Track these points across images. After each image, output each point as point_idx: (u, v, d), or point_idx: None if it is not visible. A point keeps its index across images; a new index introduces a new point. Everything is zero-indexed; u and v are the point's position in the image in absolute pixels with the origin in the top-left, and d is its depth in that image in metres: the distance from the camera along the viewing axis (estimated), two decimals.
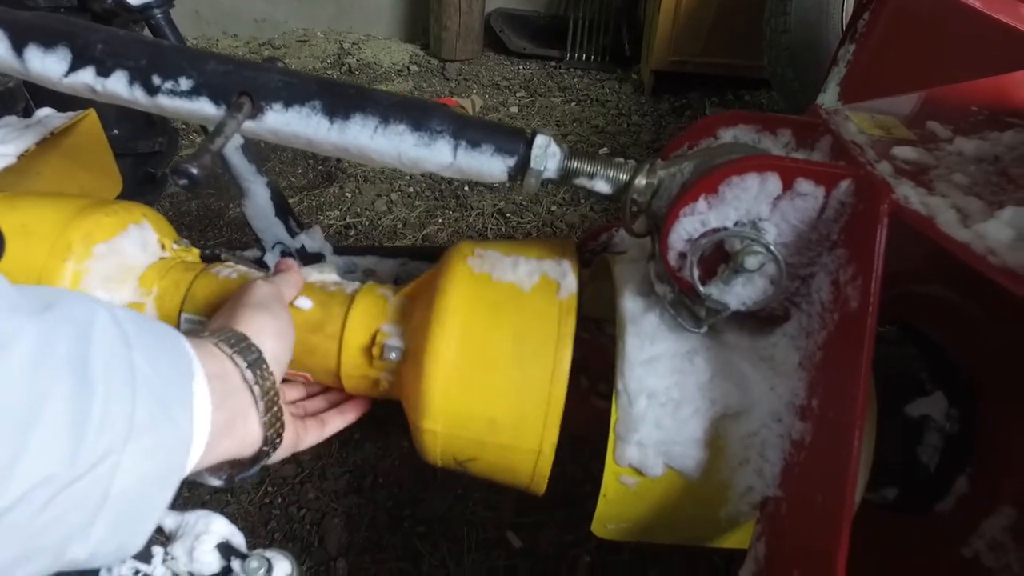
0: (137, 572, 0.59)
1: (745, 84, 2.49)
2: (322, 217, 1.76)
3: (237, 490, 1.14)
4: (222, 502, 1.12)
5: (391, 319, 0.65)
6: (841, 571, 0.46)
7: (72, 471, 0.32)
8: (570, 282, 0.61)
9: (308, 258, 0.96)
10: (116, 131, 1.36)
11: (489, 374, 0.59)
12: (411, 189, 1.86)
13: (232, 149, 0.86)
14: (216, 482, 0.53)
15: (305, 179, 1.91)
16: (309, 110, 0.53)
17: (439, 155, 0.55)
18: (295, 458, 1.18)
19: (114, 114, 1.34)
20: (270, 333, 0.53)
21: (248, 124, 0.54)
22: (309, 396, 0.71)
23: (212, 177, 1.86)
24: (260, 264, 0.95)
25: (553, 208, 1.81)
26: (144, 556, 0.61)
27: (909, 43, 1.03)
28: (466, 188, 1.88)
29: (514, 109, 2.39)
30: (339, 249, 0.99)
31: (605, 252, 0.82)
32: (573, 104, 2.47)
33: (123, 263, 0.68)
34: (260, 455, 0.51)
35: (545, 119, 2.32)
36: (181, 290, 0.68)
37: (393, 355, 0.62)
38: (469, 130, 0.54)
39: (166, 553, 0.63)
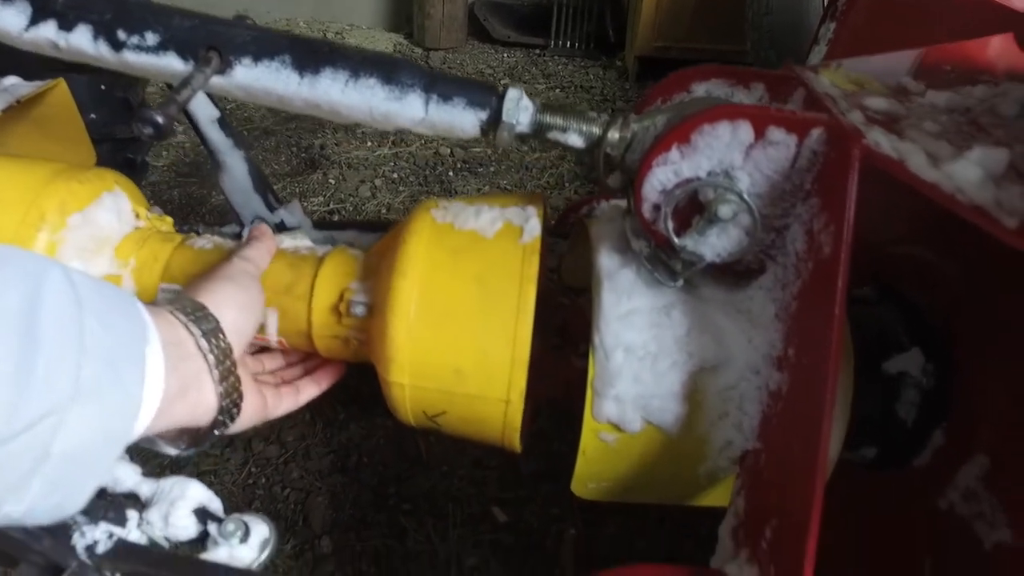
0: (111, 535, 0.59)
1: None
2: (306, 204, 1.75)
3: (220, 471, 1.13)
4: (205, 483, 1.11)
5: (359, 277, 0.64)
6: (816, 515, 0.46)
7: (10, 427, 0.32)
8: (533, 226, 0.60)
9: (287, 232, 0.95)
10: (93, 115, 1.34)
11: (452, 322, 0.58)
12: (395, 175, 1.86)
13: (208, 122, 0.86)
14: (172, 451, 0.52)
15: (288, 166, 1.89)
16: (279, 64, 0.53)
17: (410, 109, 0.54)
18: (279, 439, 1.18)
19: (90, 98, 1.33)
20: (232, 305, 0.53)
21: (217, 80, 0.53)
22: (288, 366, 0.71)
23: (194, 164, 1.85)
24: (238, 239, 0.94)
25: (537, 191, 1.81)
26: (119, 520, 0.60)
27: (889, 21, 1.03)
28: (451, 173, 1.87)
29: None
30: (318, 224, 0.98)
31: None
32: (558, 91, 2.47)
33: (98, 233, 0.67)
34: (216, 424, 0.50)
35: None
36: (160, 262, 0.67)
37: (358, 310, 0.61)
38: (440, 84, 0.54)
39: (141, 518, 0.62)
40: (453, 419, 0.62)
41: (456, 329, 0.58)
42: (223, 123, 0.86)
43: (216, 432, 0.51)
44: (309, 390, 0.66)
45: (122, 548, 0.59)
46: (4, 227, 0.63)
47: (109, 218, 0.68)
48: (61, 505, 0.37)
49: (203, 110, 0.84)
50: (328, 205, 1.74)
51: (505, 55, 2.77)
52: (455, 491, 1.10)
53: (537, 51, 2.77)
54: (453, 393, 0.60)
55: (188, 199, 1.73)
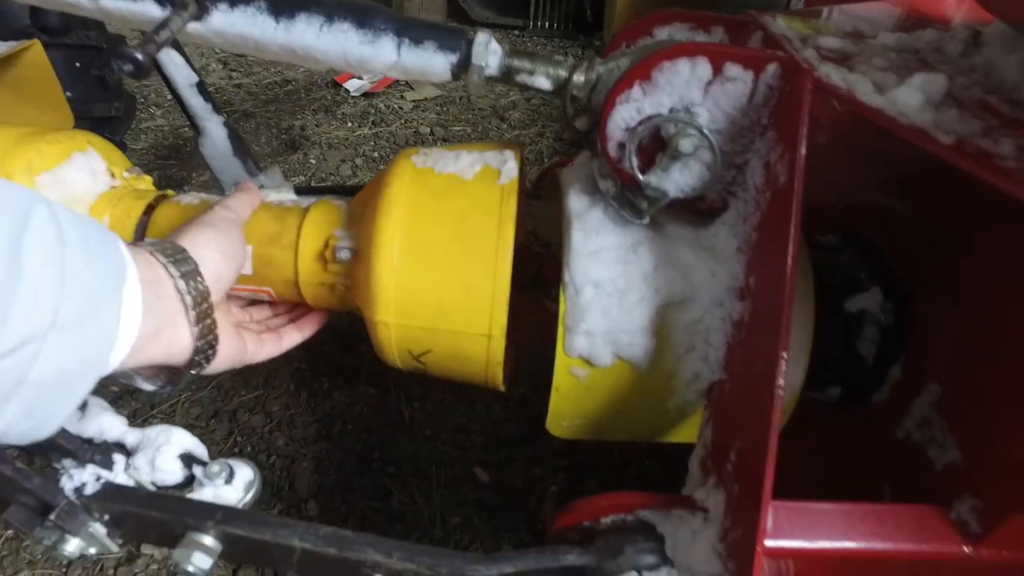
0: (99, 478, 0.60)
1: None
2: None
3: (206, 441, 1.12)
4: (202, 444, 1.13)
5: (343, 225, 0.66)
6: (774, 431, 0.49)
7: None
8: (511, 168, 0.62)
9: None
10: (69, 94, 1.33)
11: (434, 259, 0.60)
12: (376, 154, 1.87)
13: (186, 87, 0.87)
14: (149, 387, 0.54)
15: (269, 147, 1.90)
16: (255, 10, 0.54)
17: (383, 53, 0.56)
18: (264, 409, 1.19)
19: (68, 77, 1.32)
20: (212, 249, 0.54)
21: (194, 26, 0.54)
22: (275, 316, 0.72)
23: (172, 147, 1.84)
24: None
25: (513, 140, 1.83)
26: (105, 463, 0.62)
27: None
28: None
29: None
30: (300, 190, 0.99)
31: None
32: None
33: (70, 193, 0.68)
34: (192, 364, 0.51)
35: (508, 89, 2.33)
36: (133, 218, 0.68)
37: (343, 254, 0.63)
38: (412, 28, 0.56)
39: (128, 463, 0.64)
40: (438, 356, 0.64)
41: (438, 266, 0.60)
42: (201, 88, 0.87)
43: (193, 372, 0.52)
44: (291, 336, 0.68)
45: (109, 489, 0.61)
46: None
47: (81, 177, 0.69)
48: (36, 428, 0.39)
49: (181, 75, 0.85)
50: (309, 185, 1.74)
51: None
52: (438, 454, 1.12)
53: (516, 32, 2.78)
54: (437, 330, 0.61)
55: (167, 182, 1.73)
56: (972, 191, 0.60)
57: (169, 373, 0.53)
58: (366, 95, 2.11)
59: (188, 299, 0.49)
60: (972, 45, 0.60)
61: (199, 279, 0.51)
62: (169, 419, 1.18)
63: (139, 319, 0.44)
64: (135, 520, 0.60)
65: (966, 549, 0.54)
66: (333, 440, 1.14)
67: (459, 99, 2.14)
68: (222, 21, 0.56)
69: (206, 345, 0.52)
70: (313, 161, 1.84)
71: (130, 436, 0.66)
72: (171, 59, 0.84)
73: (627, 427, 0.67)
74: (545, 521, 1.03)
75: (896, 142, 0.66)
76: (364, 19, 0.56)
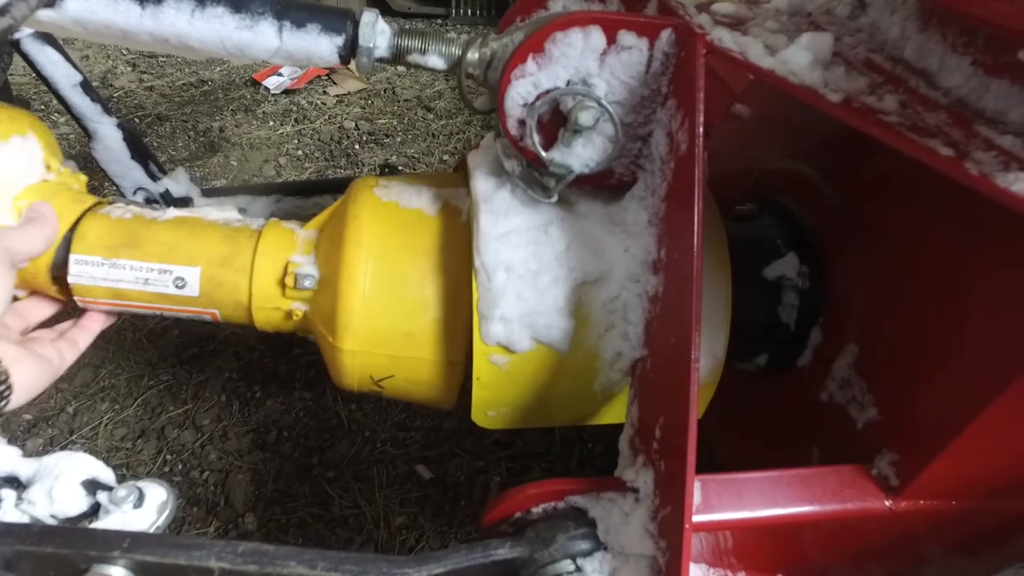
0: None
1: None
2: (206, 187, 1.68)
3: (133, 462, 1.09)
4: (117, 476, 1.07)
5: (301, 250, 0.65)
6: (693, 402, 0.48)
7: None
8: (470, 206, 0.63)
9: (175, 203, 0.91)
10: None
11: (404, 290, 0.62)
12: (299, 152, 1.81)
13: (69, 88, 0.81)
14: None
15: (187, 151, 1.81)
16: None
17: (263, 38, 0.52)
18: (194, 423, 1.14)
19: None
20: None
21: (48, 14, 0.50)
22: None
23: (80, 157, 1.74)
24: (170, 202, 0.90)
25: (445, 158, 1.80)
26: None
27: None
28: (356, 146, 1.84)
29: (401, 68, 2.35)
30: (208, 191, 0.94)
31: None
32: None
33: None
34: None
35: (435, 78, 2.29)
36: (66, 222, 0.64)
37: (307, 283, 0.63)
38: (293, 11, 0.53)
39: (19, 498, 0.59)
40: (398, 382, 0.65)
41: (408, 297, 0.62)
42: (86, 87, 0.81)
43: None
44: (84, 337, 0.65)
45: None
46: None
47: (15, 163, 0.63)
48: None
49: (62, 73, 0.80)
50: (232, 185, 1.68)
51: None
52: (379, 455, 1.09)
53: (439, 21, 2.73)
54: (404, 358, 0.63)
55: None
56: (876, 153, 0.61)
57: None
58: (287, 92, 2.04)
59: None
60: (859, 7, 0.60)
61: None
62: (91, 443, 1.12)
63: None
64: (30, 559, 0.55)
65: (887, 503, 0.55)
66: (269, 449, 1.10)
67: (383, 91, 2.09)
68: (79, 8, 0.51)
69: None
70: (235, 163, 1.76)
71: (24, 467, 0.61)
72: (46, 56, 0.78)
73: (554, 412, 0.66)
74: None
75: (801, 108, 0.66)
76: (239, 2, 0.52)
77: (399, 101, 2.05)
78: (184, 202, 0.92)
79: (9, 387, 0.48)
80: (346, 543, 0.98)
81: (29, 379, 0.51)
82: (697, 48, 0.49)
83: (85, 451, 1.12)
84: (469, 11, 2.74)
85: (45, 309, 0.66)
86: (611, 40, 0.52)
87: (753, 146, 0.86)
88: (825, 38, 0.48)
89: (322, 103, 2.02)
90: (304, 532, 0.99)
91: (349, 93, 2.05)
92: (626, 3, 0.61)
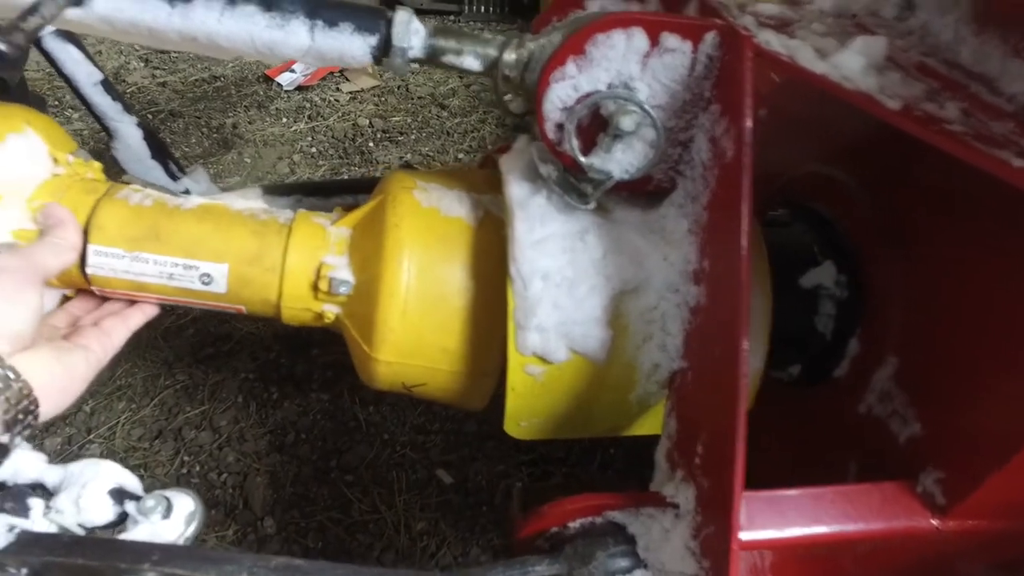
0: (12, 528, 0.54)
1: None
2: (222, 184, 1.67)
3: (151, 463, 1.08)
4: (136, 476, 1.06)
5: (334, 250, 0.63)
6: (742, 421, 0.47)
7: None
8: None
9: None
10: None
11: (443, 305, 0.60)
12: (314, 149, 1.79)
13: (90, 86, 0.80)
14: None
15: (200, 147, 1.80)
16: None
17: (295, 37, 0.51)
18: (211, 424, 1.13)
19: None
20: None
21: (76, 13, 0.48)
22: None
23: (94, 152, 1.74)
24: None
25: (460, 156, 1.78)
26: (20, 510, 0.56)
27: None
28: (371, 144, 1.82)
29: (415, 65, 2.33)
30: (228, 191, 0.93)
31: None
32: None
33: (5, 182, 0.60)
34: (14, 423, 0.45)
35: (448, 75, 2.27)
36: (82, 216, 0.61)
37: (343, 289, 0.61)
38: (325, 9, 0.51)
39: (48, 506, 0.58)
40: (430, 389, 0.65)
41: (446, 311, 0.61)
42: (107, 86, 0.80)
43: (23, 430, 0.47)
44: (135, 317, 0.63)
45: (25, 539, 0.55)
46: None
47: (18, 163, 0.60)
48: None
49: (83, 72, 0.78)
50: (246, 184, 1.66)
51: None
52: (398, 458, 1.08)
53: (451, 17, 2.71)
54: (438, 370, 0.62)
55: None
56: (917, 157, 0.59)
57: None
58: (300, 89, 2.02)
59: None
60: (906, 8, 0.58)
61: None
62: (109, 443, 1.11)
63: None
64: (60, 571, 0.54)
65: (934, 522, 0.53)
66: (287, 452, 1.09)
67: (397, 88, 2.07)
68: (107, 6, 0.50)
69: (17, 395, 0.45)
70: (248, 160, 1.75)
71: (50, 474, 0.60)
72: (68, 54, 0.77)
73: (588, 423, 0.64)
74: (512, 520, 1.00)
75: (835, 110, 0.64)
76: (271, 0, 0.51)
77: (413, 98, 2.03)
78: None
79: (34, 400, 0.46)
80: (366, 548, 0.97)
81: (64, 382, 0.49)
82: (744, 51, 0.47)
83: (103, 451, 1.12)
84: (482, 7, 2.71)
85: (92, 302, 0.65)
86: (654, 42, 0.50)
87: (781, 149, 0.84)
88: (878, 42, 0.47)
89: (335, 100, 2.00)
90: (324, 537, 0.98)
91: (362, 90, 2.04)
92: (666, 4, 0.60)
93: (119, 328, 0.59)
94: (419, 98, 2.04)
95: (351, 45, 0.52)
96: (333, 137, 1.84)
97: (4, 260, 0.51)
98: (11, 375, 0.45)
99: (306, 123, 1.89)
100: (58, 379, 0.48)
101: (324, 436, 1.11)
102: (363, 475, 1.05)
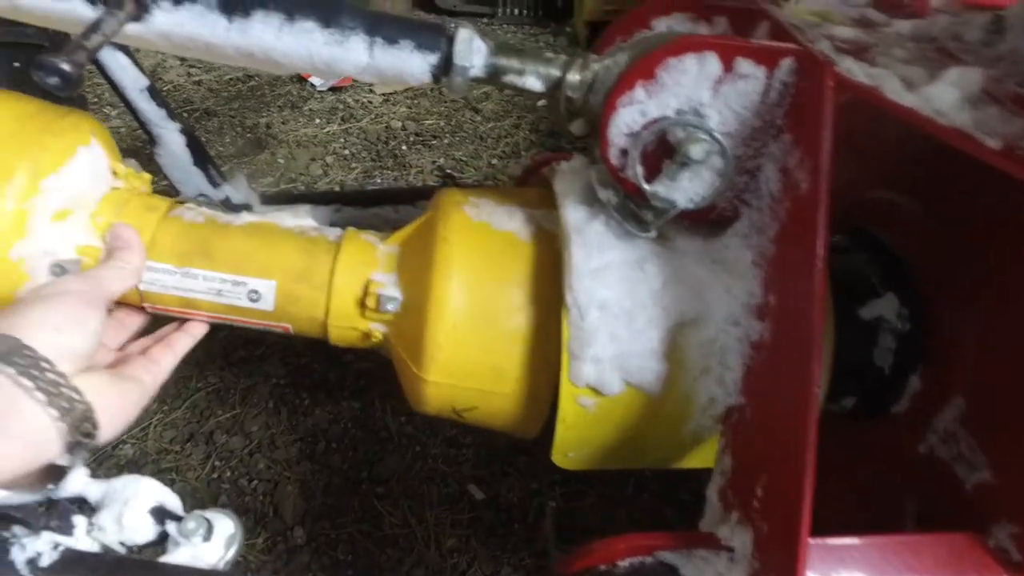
0: (57, 546, 0.54)
1: None
2: (255, 185, 1.67)
3: (182, 467, 1.08)
4: (167, 481, 1.05)
5: (382, 268, 0.62)
6: (810, 469, 0.44)
7: None
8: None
9: (234, 210, 0.89)
10: None
11: (495, 323, 0.58)
12: (347, 151, 1.79)
13: (136, 92, 0.79)
14: (33, 496, 0.47)
15: (234, 147, 1.81)
16: (203, 7, 0.47)
17: (354, 54, 0.50)
18: (242, 429, 1.12)
19: (6, 79, 1.23)
20: (49, 326, 0.46)
21: (135, 28, 0.47)
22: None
23: (131, 150, 1.75)
24: (229, 206, 0.87)
25: (494, 162, 1.76)
26: (64, 528, 0.55)
27: None
28: (403, 147, 1.81)
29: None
30: (267, 199, 0.92)
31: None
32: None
33: (73, 197, 0.59)
34: (75, 445, 0.44)
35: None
36: (146, 235, 0.60)
37: (390, 306, 0.59)
38: (385, 26, 0.50)
39: (91, 523, 0.57)
40: (481, 414, 0.62)
41: (498, 329, 0.58)
42: (153, 92, 0.80)
43: (80, 453, 0.46)
44: (183, 341, 0.62)
45: (69, 557, 0.54)
46: None
47: (85, 177, 0.59)
48: None
49: (129, 78, 0.78)
50: (278, 185, 1.66)
51: (452, 24, 2.69)
52: (429, 471, 1.07)
53: (484, 20, 2.70)
54: (490, 392, 0.60)
55: None
56: (991, 185, 0.56)
57: (46, 470, 0.46)
58: (333, 90, 2.02)
59: (26, 381, 0.41)
60: (994, 32, 0.55)
61: (27, 353, 0.43)
62: (141, 444, 1.11)
63: None
64: None
65: None
66: (317, 460, 1.08)
67: (430, 91, 2.06)
68: (166, 21, 0.49)
69: (80, 416, 0.44)
70: (281, 160, 1.75)
71: (92, 489, 0.60)
72: (116, 61, 0.76)
73: (638, 455, 0.62)
74: (544, 540, 0.98)
75: (901, 132, 0.61)
76: (330, 16, 0.49)
77: (446, 101, 2.02)
78: (244, 209, 0.90)
79: (94, 423, 0.46)
80: (396, 563, 0.95)
81: (118, 409, 0.49)
82: (824, 80, 0.45)
83: (136, 452, 1.12)
84: (515, 10, 2.69)
85: (141, 317, 0.64)
86: (727, 67, 0.48)
87: (841, 171, 0.81)
88: (973, 73, 0.44)
89: (368, 101, 2.00)
90: (353, 549, 0.97)
91: (396, 92, 2.03)
92: (735, 24, 0.57)
93: (167, 356, 0.58)
94: (452, 101, 2.03)
95: (410, 63, 0.50)
96: (366, 139, 1.83)
97: (70, 283, 0.50)
98: (75, 396, 0.44)
99: (339, 124, 1.89)
100: (113, 405, 0.48)
101: (355, 446, 1.10)
102: (394, 488, 1.04)
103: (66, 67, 0.39)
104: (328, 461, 1.08)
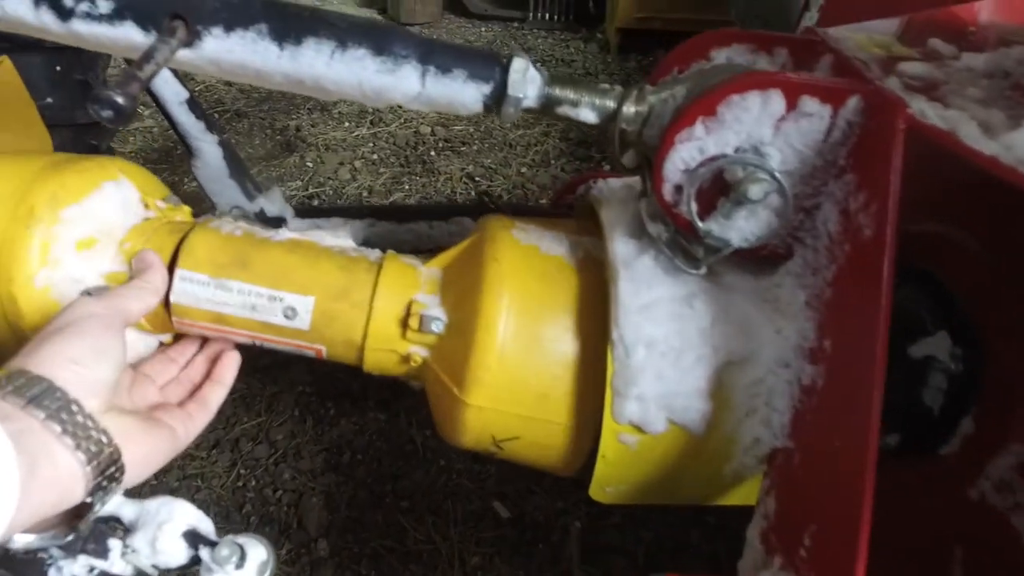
0: (92, 569, 0.53)
1: None
2: (283, 188, 1.68)
3: (208, 473, 1.08)
4: (192, 488, 1.06)
5: (424, 289, 0.61)
6: (866, 522, 0.43)
7: None
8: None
9: (268, 222, 0.89)
10: (50, 100, 1.26)
11: (543, 347, 0.57)
12: (375, 156, 1.79)
13: (176, 104, 0.79)
14: (58, 541, 0.46)
15: (263, 149, 1.81)
16: (255, 35, 0.47)
17: (405, 83, 0.49)
18: (267, 438, 1.12)
19: (46, 81, 1.24)
20: (63, 359, 0.45)
21: (185, 54, 0.47)
22: (186, 365, 0.63)
23: (163, 150, 1.76)
24: (264, 221, 0.87)
25: (523, 170, 1.75)
26: (100, 551, 0.55)
27: None
28: (432, 153, 1.81)
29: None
30: (301, 212, 0.92)
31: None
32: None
33: (99, 227, 0.61)
34: (98, 489, 0.44)
35: None
36: (165, 255, 0.61)
37: (435, 326, 0.58)
38: (438, 54, 0.48)
39: (125, 546, 0.57)
40: (522, 444, 0.61)
41: (546, 354, 0.57)
42: (193, 104, 0.79)
43: (102, 499, 0.45)
44: (217, 394, 0.60)
45: None
46: None
47: (112, 210, 0.62)
48: None
49: (170, 91, 0.78)
50: (307, 189, 1.67)
51: (483, 29, 2.68)
52: (454, 486, 1.06)
53: (515, 24, 2.69)
54: (534, 419, 0.58)
55: None
56: None
57: (70, 513, 0.45)
58: None
59: (55, 425, 0.41)
60: None
61: (58, 393, 0.42)
62: None
63: (15, 469, 0.36)
64: None
65: None
66: (342, 472, 1.08)
67: None
68: (217, 48, 0.48)
69: (107, 460, 0.43)
70: (310, 164, 1.76)
71: (126, 509, 0.59)
72: (159, 74, 0.76)
73: (676, 492, 0.61)
74: (569, 561, 0.97)
75: (956, 163, 0.59)
76: (382, 44, 0.48)
77: None
78: (278, 221, 0.90)
79: (121, 468, 0.45)
80: None
81: (147, 456, 0.48)
82: (895, 123, 0.43)
83: None
84: (546, 15, 2.68)
85: (191, 347, 0.64)
86: (791, 105, 0.46)
87: None
88: None
89: (397, 106, 1.99)
90: (377, 564, 0.96)
91: None
92: (795, 56, 0.55)
93: (202, 414, 0.57)
94: None
95: (463, 93, 0.49)
96: (395, 144, 1.83)
97: (90, 305, 0.50)
98: (103, 439, 0.43)
99: (368, 128, 1.88)
100: (141, 453, 0.47)
101: (380, 458, 1.09)
102: (418, 502, 1.03)
103: (120, 100, 0.38)
104: (353, 473, 1.07)
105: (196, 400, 0.59)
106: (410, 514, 1.02)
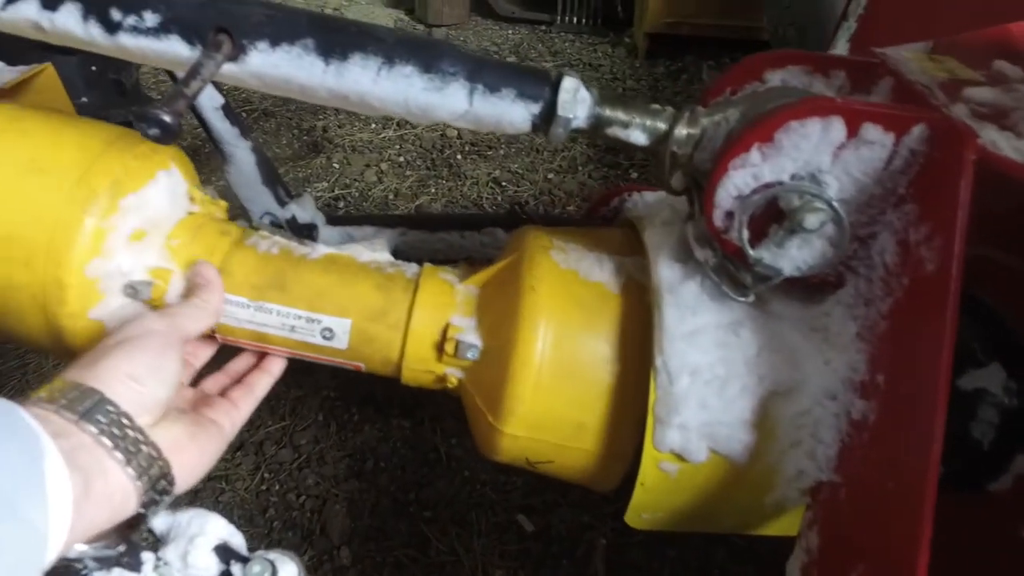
0: None
1: (743, 46, 2.41)
2: (309, 189, 1.68)
3: (232, 477, 1.08)
4: (216, 491, 1.06)
5: (461, 311, 0.60)
6: (923, 567, 0.41)
7: None
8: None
9: (299, 229, 0.89)
10: (85, 99, 1.26)
11: (580, 378, 0.56)
12: (401, 159, 1.78)
13: (211, 110, 0.79)
14: (111, 551, 0.46)
15: (290, 149, 1.82)
16: (300, 49, 0.46)
17: (453, 101, 0.48)
18: (291, 442, 1.12)
19: (81, 81, 1.25)
20: (130, 376, 0.45)
21: (229, 68, 0.46)
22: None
23: (191, 149, 1.77)
24: (295, 228, 0.87)
25: (550, 176, 1.74)
26: (134, 564, 0.55)
27: None
28: (459, 156, 1.80)
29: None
30: (333, 219, 0.91)
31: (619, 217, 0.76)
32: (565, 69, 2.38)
33: (150, 219, 0.59)
34: (151, 501, 0.44)
35: None
36: (216, 259, 0.60)
37: (470, 354, 0.57)
38: (486, 72, 0.47)
39: (158, 559, 0.56)
40: (556, 467, 0.60)
41: (583, 385, 0.56)
42: (228, 110, 0.79)
43: (155, 508, 0.45)
44: (263, 383, 0.61)
45: None
46: (47, 205, 0.53)
47: (163, 201, 0.59)
48: None
49: (206, 96, 0.77)
50: (333, 191, 1.67)
51: (510, 32, 2.67)
52: (478, 497, 1.05)
53: (543, 28, 2.67)
54: (568, 448, 0.58)
55: None
56: None
57: (123, 525, 0.45)
58: None
59: (106, 440, 0.41)
60: None
61: (110, 410, 0.42)
62: None
63: (71, 493, 0.36)
64: None
65: None
66: (366, 479, 1.07)
67: None
68: (261, 62, 0.47)
69: (158, 474, 0.44)
70: (336, 165, 1.75)
71: (159, 520, 0.59)
72: None
73: (714, 520, 0.59)
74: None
75: (1011, 185, 0.57)
76: (430, 61, 0.47)
77: None
78: (309, 228, 0.89)
79: (171, 479, 0.45)
80: None
81: (196, 464, 0.48)
82: (965, 154, 0.41)
83: None
84: (574, 19, 2.66)
85: (208, 349, 0.64)
86: (852, 133, 0.44)
87: None
88: None
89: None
90: (399, 574, 0.96)
91: None
92: (853, 79, 0.54)
93: (247, 400, 0.57)
94: None
95: (511, 112, 0.48)
96: (421, 147, 1.82)
97: (151, 322, 0.49)
98: (154, 453, 0.43)
99: (395, 130, 1.88)
100: (191, 463, 0.47)
101: (403, 466, 1.09)
102: (442, 513, 1.02)
103: (167, 118, 0.38)
104: (376, 480, 1.07)
105: (243, 386, 0.59)
106: (433, 524, 1.01)
